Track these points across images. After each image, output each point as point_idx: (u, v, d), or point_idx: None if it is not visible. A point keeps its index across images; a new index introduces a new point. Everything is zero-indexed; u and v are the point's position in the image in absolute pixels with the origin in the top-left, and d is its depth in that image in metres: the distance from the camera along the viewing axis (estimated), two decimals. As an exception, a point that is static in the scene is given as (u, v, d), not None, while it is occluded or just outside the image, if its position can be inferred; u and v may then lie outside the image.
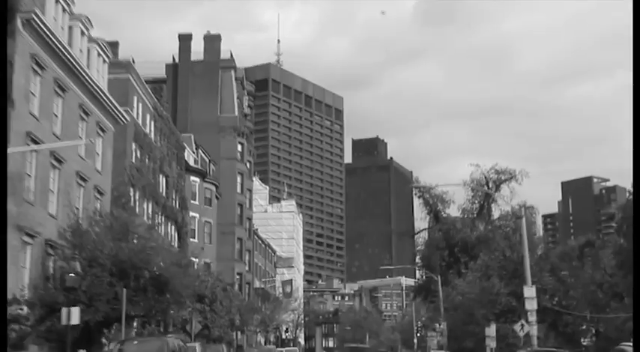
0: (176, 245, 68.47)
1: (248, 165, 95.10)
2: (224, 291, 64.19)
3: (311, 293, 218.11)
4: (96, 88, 42.48)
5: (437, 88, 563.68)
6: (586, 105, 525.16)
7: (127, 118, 49.06)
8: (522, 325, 43.57)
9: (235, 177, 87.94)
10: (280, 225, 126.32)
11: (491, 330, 51.02)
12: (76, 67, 38.91)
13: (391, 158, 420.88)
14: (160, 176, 62.26)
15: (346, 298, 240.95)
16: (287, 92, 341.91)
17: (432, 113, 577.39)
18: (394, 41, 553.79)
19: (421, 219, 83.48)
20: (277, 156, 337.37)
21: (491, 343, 50.79)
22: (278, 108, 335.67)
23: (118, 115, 47.05)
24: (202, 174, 77.32)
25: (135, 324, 44.08)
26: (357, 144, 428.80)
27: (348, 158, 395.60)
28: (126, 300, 33.88)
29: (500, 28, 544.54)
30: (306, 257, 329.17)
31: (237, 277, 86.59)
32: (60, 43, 36.70)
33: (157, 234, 50.80)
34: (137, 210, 55.03)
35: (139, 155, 56.48)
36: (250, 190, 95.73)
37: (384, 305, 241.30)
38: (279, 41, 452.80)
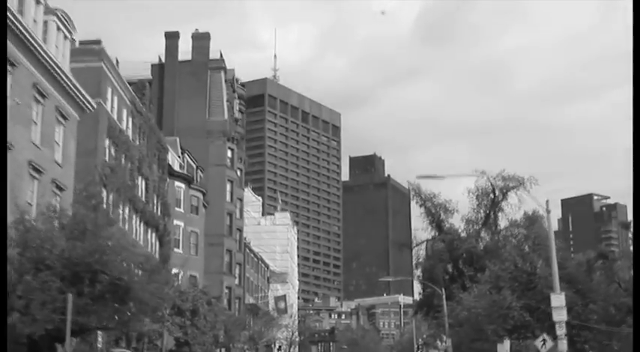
0: (157, 254, 62.91)
1: (239, 172, 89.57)
2: (208, 305, 58.56)
3: (307, 311, 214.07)
4: (55, 67, 37.00)
5: (435, 107, 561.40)
6: (585, 123, 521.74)
7: (94, 105, 43.45)
8: (544, 341, 38.00)
9: (225, 184, 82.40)
10: (274, 238, 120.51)
11: (504, 347, 45.50)
12: (28, 39, 33.48)
13: (389, 175, 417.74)
14: (139, 178, 56.84)
15: (343, 316, 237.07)
16: (283, 108, 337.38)
17: (430, 132, 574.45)
18: (392, 60, 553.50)
19: (422, 230, 77.83)
20: (274, 173, 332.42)
21: (505, 362, 45.10)
22: (274, 124, 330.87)
23: (84, 103, 41.49)
24: (188, 180, 71.85)
25: (100, 339, 38.47)
26: (354, 162, 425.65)
27: (345, 175, 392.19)
28: (81, 309, 28.36)
29: (499, 46, 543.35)
30: (302, 275, 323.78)
31: (226, 291, 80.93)
32: (9, 9, 31.28)
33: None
34: (111, 213, 49.55)
35: (113, 153, 51.05)
36: (241, 200, 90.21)
37: (381, 323, 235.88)
38: (275, 56, 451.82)
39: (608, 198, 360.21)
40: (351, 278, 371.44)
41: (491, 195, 75.85)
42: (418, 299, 79.52)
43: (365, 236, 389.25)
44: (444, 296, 62.93)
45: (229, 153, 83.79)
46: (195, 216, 74.78)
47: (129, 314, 30.42)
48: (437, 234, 77.69)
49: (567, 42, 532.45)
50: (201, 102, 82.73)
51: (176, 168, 71.28)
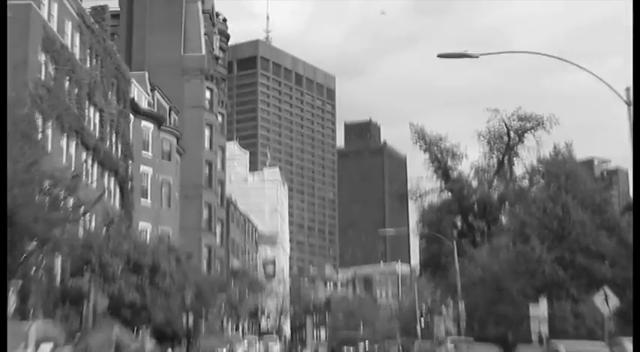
0: (117, 204, 53.27)
1: (220, 118, 79.73)
2: (177, 262, 49.10)
3: (301, 279, 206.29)
4: None
5: (432, 76, 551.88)
6: (585, 91, 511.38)
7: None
8: (606, 296, 28.44)
9: (202, 129, 72.35)
10: (262, 196, 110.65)
11: (539, 309, 35.89)
12: None
13: (385, 141, 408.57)
14: (91, 109, 47.07)
15: (339, 285, 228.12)
16: (276, 70, 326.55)
17: (427, 100, 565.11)
18: (387, 29, 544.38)
19: (426, 179, 68.12)
20: (267, 138, 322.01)
21: (542, 327, 35.24)
22: (267, 87, 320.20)
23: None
24: (158, 120, 61.93)
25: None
26: (349, 128, 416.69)
27: (340, 142, 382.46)
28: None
29: (496, 15, 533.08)
30: (296, 243, 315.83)
31: (205, 250, 71.42)
32: None
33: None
34: (49, 146, 39.92)
35: (52, 72, 41.21)
36: (223, 149, 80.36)
37: (378, 292, 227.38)
38: (268, 18, 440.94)
39: (609, 161, 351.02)
40: (346, 246, 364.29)
41: (506, 138, 66.30)
42: (421, 259, 69.92)
43: (361, 203, 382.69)
44: (454, 250, 53.48)
45: (208, 94, 73.73)
46: (167, 162, 65.03)
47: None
48: (443, 183, 68.19)
49: (565, 9, 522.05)
50: (175, 36, 72.48)
51: (144, 106, 61.49)
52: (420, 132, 67.48)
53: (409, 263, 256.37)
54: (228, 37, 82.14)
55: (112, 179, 51.61)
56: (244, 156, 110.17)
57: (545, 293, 40.18)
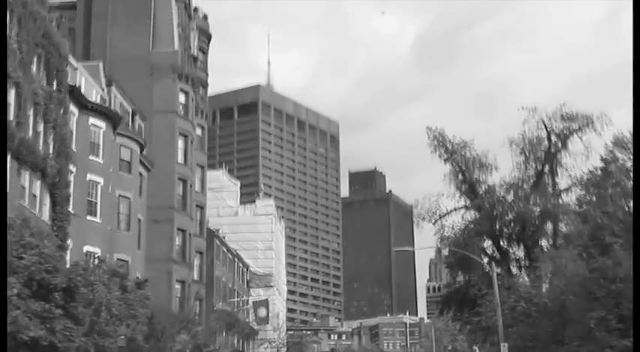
0: (47, 217, 40.30)
1: (200, 131, 67.06)
2: (122, 291, 36.19)
3: (304, 331, 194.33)
4: None
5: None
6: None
7: None
8: None
9: (175, 138, 59.33)
10: (255, 232, 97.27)
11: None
12: None
13: (390, 191, 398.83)
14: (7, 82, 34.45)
15: (343, 337, 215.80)
16: (278, 116, 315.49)
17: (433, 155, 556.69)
18: (391, 84, 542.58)
19: (448, 197, 54.92)
20: (268, 186, 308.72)
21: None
22: (268, 134, 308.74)
23: None
24: (113, 120, 49.13)
25: None
26: (353, 177, 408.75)
27: (344, 191, 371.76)
28: None
29: (499, 67, 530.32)
30: (300, 295, 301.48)
31: (178, 286, 58.14)
32: None
33: None
34: None
35: None
36: (203, 167, 67.48)
37: (385, 344, 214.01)
38: (269, 63, 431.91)
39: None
40: (352, 299, 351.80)
41: (546, 143, 53.48)
42: (446, 291, 56.30)
43: (366, 254, 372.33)
44: (494, 275, 40.05)
45: (182, 98, 61.02)
46: (127, 175, 52.04)
47: None
48: (468, 201, 55.12)
49: (567, 60, 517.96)
50: (142, 28, 59.83)
51: (95, 99, 48.82)
52: (439, 137, 54.59)
53: (417, 314, 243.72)
54: (209, 38, 69.88)
55: (39, 182, 38.76)
56: (234, 186, 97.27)
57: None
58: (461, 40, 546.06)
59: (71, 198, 43.93)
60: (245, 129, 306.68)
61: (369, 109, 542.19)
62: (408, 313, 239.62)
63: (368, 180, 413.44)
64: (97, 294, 32.57)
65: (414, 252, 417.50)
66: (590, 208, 40.20)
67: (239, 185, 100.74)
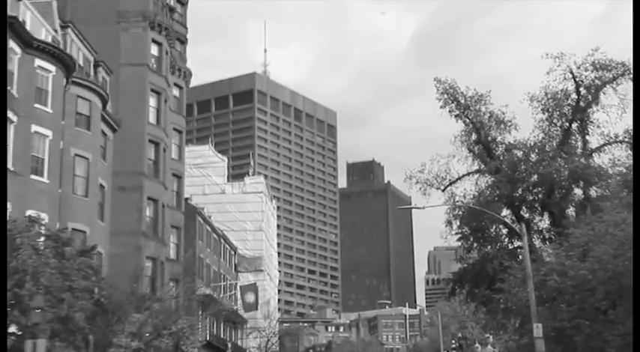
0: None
1: (177, 92, 59.46)
2: (60, 259, 28.69)
3: (300, 323, 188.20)
4: None
5: (436, 125, 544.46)
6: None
7: None
8: None
9: (145, 95, 51.60)
10: (243, 211, 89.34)
11: None
12: None
13: (389, 182, 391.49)
14: None
15: (341, 329, 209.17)
16: (274, 105, 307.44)
17: (431, 149, 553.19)
18: (389, 79, 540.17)
19: (460, 161, 47.14)
20: (264, 176, 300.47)
21: None
22: (264, 123, 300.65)
23: None
24: (66, 65, 41.46)
25: None
26: (351, 168, 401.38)
27: (342, 183, 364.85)
28: None
29: (497, 63, 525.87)
30: (297, 287, 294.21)
31: (149, 264, 50.47)
32: None
33: None
34: None
35: None
36: (181, 132, 59.83)
37: (384, 336, 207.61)
38: (265, 51, 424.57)
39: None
40: (350, 291, 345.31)
41: (574, 97, 45.72)
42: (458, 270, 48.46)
43: (364, 246, 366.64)
44: (524, 240, 32.34)
45: (155, 49, 53.29)
46: (86, 132, 44.35)
47: None
48: (482, 165, 47.42)
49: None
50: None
51: (45, 40, 41.21)
52: (450, 90, 46.78)
53: (415, 307, 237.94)
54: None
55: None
56: (221, 162, 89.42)
57: None
58: (460, 35, 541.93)
59: (10, 152, 36.35)
60: (240, 118, 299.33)
61: (368, 104, 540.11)
62: (407, 305, 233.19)
63: (366, 171, 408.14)
64: (22, 260, 25.10)
65: (412, 248, 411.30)
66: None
67: (227, 161, 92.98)
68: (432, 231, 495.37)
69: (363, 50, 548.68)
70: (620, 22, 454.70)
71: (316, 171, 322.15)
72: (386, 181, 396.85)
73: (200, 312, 58.88)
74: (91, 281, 29.87)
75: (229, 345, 72.85)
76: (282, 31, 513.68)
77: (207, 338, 66.04)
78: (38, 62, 39.97)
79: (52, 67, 40.88)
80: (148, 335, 35.71)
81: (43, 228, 32.14)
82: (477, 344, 51.91)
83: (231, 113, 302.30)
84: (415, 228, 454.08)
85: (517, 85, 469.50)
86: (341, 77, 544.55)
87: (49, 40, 42.33)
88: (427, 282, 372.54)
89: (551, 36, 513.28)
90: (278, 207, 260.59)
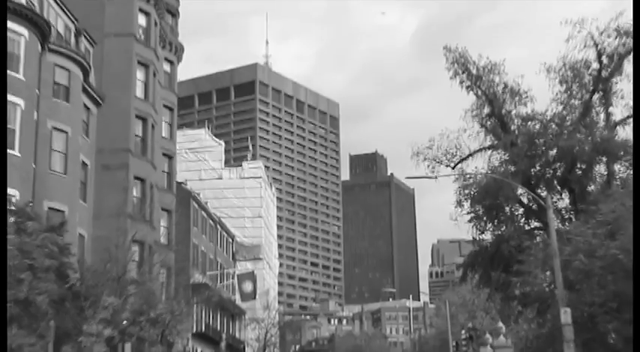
0: None
1: (169, 67, 55.85)
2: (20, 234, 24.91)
3: (303, 316, 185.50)
4: None
5: (438, 119, 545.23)
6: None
7: None
8: None
9: (131, 67, 47.79)
10: (241, 197, 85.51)
11: None
12: None
13: (392, 174, 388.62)
14: None
15: (344, 322, 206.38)
16: (276, 96, 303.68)
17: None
18: (391, 74, 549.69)
19: (471, 136, 43.23)
20: (265, 168, 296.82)
21: None
22: (266, 114, 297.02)
23: None
24: (40, 29, 37.73)
25: None
26: (354, 160, 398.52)
27: (345, 175, 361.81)
28: None
29: (499, 58, 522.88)
30: (300, 279, 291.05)
31: (136, 248, 46.82)
32: None
33: None
34: None
35: None
36: (172, 110, 56.22)
37: (388, 329, 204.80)
38: (267, 42, 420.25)
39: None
40: (353, 284, 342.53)
41: (595, 66, 41.80)
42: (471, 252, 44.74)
43: (367, 238, 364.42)
44: (549, 212, 28.68)
45: (142, 20, 49.58)
46: (64, 104, 40.68)
47: None
48: (495, 140, 43.58)
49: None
50: None
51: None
52: (459, 58, 42.86)
53: (419, 299, 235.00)
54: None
55: None
56: (218, 146, 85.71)
57: None
58: (462, 31, 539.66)
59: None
60: (242, 110, 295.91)
61: (371, 98, 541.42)
62: (411, 297, 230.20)
63: (369, 163, 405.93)
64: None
65: (416, 240, 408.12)
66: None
67: (224, 145, 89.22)
68: (436, 224, 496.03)
69: (365, 45, 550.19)
70: (623, 16, 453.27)
71: (319, 163, 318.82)
72: (389, 173, 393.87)
73: (190, 299, 55.12)
74: (59, 260, 26.17)
75: (224, 337, 69.16)
76: (285, 27, 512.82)
77: (199, 329, 62.40)
78: (10, 25, 36.24)
79: (24, 31, 37.27)
80: (125, 322, 32.03)
81: (12, 205, 28.50)
82: (488, 335, 48.11)
83: (233, 104, 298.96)
84: (418, 221, 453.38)
85: (519, 81, 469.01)
86: (343, 72, 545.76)
87: (22, 1, 38.61)
88: (431, 275, 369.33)
89: (554, 32, 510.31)
90: (280, 200, 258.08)
